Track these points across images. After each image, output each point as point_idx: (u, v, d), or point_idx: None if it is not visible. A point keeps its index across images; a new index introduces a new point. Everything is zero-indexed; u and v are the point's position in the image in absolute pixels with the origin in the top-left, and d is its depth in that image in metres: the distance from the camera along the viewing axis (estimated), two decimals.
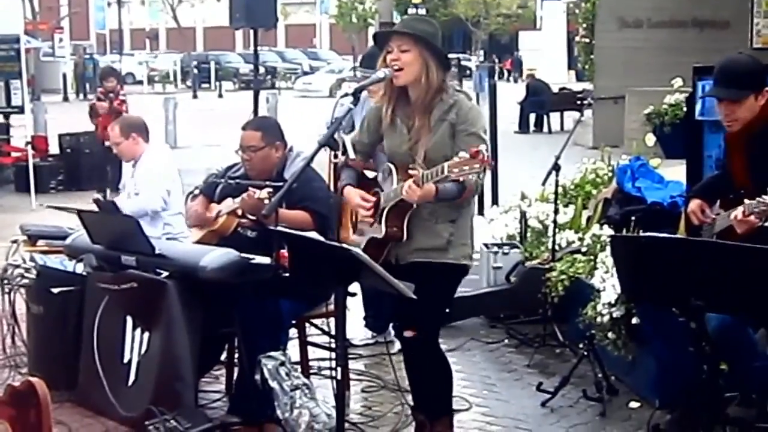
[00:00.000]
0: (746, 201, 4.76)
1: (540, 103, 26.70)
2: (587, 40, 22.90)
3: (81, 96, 47.32)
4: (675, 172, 8.43)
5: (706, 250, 4.37)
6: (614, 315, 6.02)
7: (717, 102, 5.13)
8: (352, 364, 6.68)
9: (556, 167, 7.25)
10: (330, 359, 5.61)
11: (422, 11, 54.44)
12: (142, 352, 5.70)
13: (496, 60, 57.02)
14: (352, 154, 5.04)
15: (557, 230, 7.55)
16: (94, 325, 5.92)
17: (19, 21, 14.89)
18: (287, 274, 5.27)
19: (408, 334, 5.01)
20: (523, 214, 8.40)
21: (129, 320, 5.79)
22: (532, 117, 26.77)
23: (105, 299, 5.85)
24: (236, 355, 5.99)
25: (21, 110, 15.06)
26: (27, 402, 5.26)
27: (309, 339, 6.27)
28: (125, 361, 5.78)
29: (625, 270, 4.68)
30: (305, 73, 54.11)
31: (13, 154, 16.01)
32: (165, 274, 5.53)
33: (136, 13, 74.21)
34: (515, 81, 46.52)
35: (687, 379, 5.09)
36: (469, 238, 5.06)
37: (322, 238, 4.67)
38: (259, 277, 5.42)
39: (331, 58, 61.82)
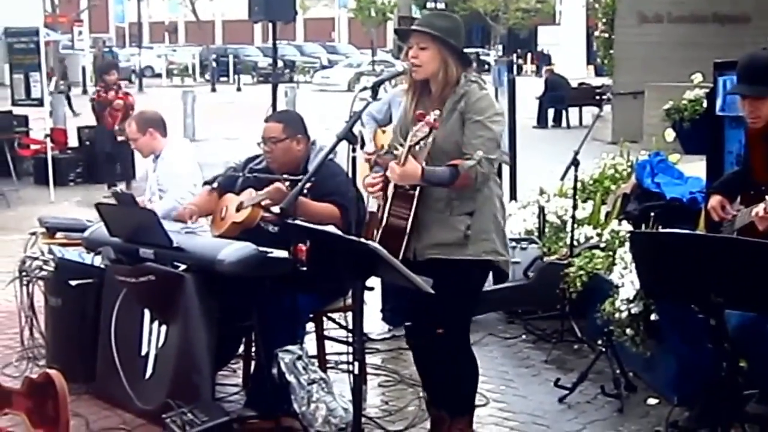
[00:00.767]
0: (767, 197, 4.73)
1: (559, 98, 26.64)
2: (607, 35, 22.81)
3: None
4: (694, 167, 8.39)
5: (727, 247, 4.33)
6: (633, 311, 5.99)
7: (740, 99, 5.08)
8: (369, 359, 6.66)
9: (575, 162, 7.22)
10: (347, 354, 5.62)
11: (441, 5, 54.42)
12: (160, 345, 5.70)
13: (516, 54, 56.89)
14: (370, 148, 5.04)
15: (576, 225, 7.52)
16: (111, 317, 5.93)
17: (39, 14, 14.89)
18: (305, 269, 5.26)
19: (439, 331, 4.96)
20: (541, 209, 8.37)
21: (146, 313, 5.79)
22: (551, 112, 26.71)
23: (123, 292, 5.85)
24: (253, 349, 5.99)
25: (40, 103, 15.07)
26: (45, 394, 5.30)
27: (326, 333, 6.26)
28: (143, 353, 5.79)
29: (645, 266, 4.64)
30: (324, 67, 54.13)
31: (32, 147, 16.06)
32: (182, 267, 5.52)
33: (156, 7, 74.29)
34: (540, 76, 46.28)
35: (706, 376, 5.06)
36: (493, 232, 4.94)
37: (339, 232, 4.64)
38: (276, 271, 5.40)
39: (350, 52, 61.80)
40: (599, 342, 6.25)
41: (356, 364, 4.54)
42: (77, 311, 6.26)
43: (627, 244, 6.10)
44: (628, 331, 6.07)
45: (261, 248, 5.44)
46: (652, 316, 5.89)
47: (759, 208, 4.75)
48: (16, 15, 14.07)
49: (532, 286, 7.66)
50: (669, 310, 5.56)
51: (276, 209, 5.45)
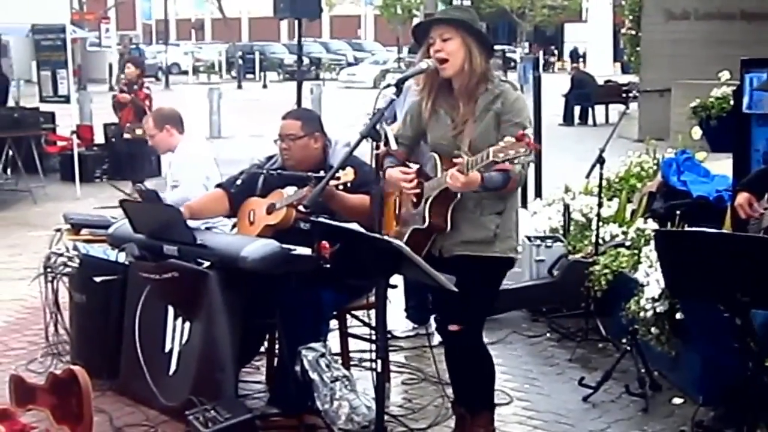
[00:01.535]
0: None
1: (585, 95, 26.53)
2: (633, 32, 22.69)
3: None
4: (721, 165, 8.34)
5: (753, 245, 4.31)
6: (658, 310, 5.96)
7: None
8: (393, 356, 6.67)
9: (601, 160, 7.18)
10: (370, 351, 5.60)
11: (467, 2, 54.34)
12: (183, 341, 5.71)
13: (543, 51, 56.74)
14: (394, 145, 5.02)
15: (601, 223, 7.49)
16: (135, 314, 5.94)
17: (66, 11, 14.93)
18: (329, 266, 5.25)
19: (453, 328, 4.95)
20: (566, 207, 8.34)
21: (170, 310, 5.80)
22: (577, 109, 26.60)
23: (147, 288, 5.86)
24: (277, 346, 5.99)
25: (67, 100, 15.14)
26: (68, 390, 5.32)
27: (350, 330, 6.25)
28: (166, 350, 5.79)
29: (670, 265, 4.62)
30: (349, 64, 54.17)
31: (59, 143, 16.12)
32: (206, 264, 5.52)
33: (182, 4, 74.51)
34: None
35: (731, 375, 5.03)
36: (514, 230, 4.99)
37: (362, 230, 4.62)
38: (300, 268, 5.39)
39: (376, 49, 61.82)
40: (624, 341, 6.22)
41: (379, 362, 4.53)
42: (101, 308, 6.28)
43: (652, 243, 6.05)
44: (653, 329, 6.04)
45: (285, 245, 5.43)
46: (678, 315, 5.85)
47: None
48: (43, 12, 14.09)
49: (557, 284, 7.64)
50: (694, 309, 5.52)
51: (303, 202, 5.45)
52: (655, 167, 9.32)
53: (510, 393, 6.17)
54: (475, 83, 4.85)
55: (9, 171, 14.96)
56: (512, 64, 37.52)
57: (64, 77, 15.14)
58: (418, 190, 4.89)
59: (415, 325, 7.34)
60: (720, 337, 5.19)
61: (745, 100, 6.67)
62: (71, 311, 6.60)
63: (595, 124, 25.79)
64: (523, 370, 6.68)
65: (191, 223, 5.99)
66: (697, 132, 11.32)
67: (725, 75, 14.13)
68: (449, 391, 5.38)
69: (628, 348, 6.10)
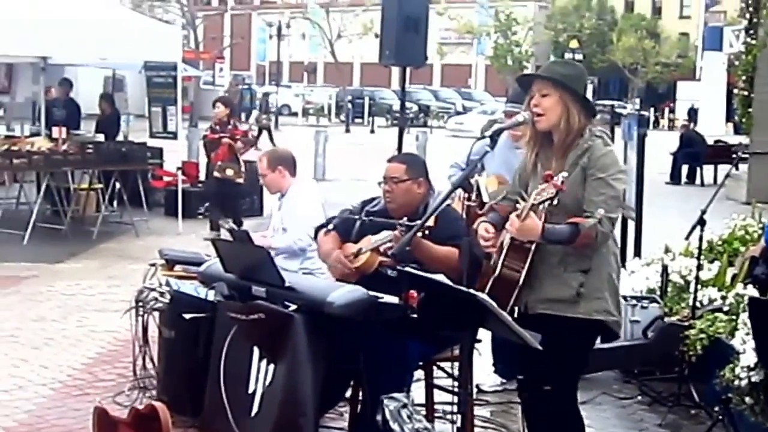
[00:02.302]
0: None
1: (694, 154, 26.13)
2: (746, 93, 22.32)
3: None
4: None
5: None
6: (753, 379, 5.78)
7: None
8: (478, 411, 6.55)
9: (701, 221, 7.03)
10: (453, 404, 5.52)
11: (579, 56, 54.13)
12: (267, 383, 5.68)
13: (653, 108, 56.20)
14: (486, 197, 4.97)
15: (700, 287, 7.31)
16: (222, 353, 5.93)
17: (178, 49, 15.20)
18: (416, 315, 5.20)
19: (547, 388, 4.84)
20: (664, 267, 8.16)
21: (256, 351, 5.79)
22: (685, 168, 26.21)
23: (234, 328, 5.85)
24: (360, 394, 5.93)
25: (175, 136, 15.39)
26: (149, 426, 5.35)
27: (436, 382, 6.17)
28: (250, 391, 5.78)
29: (762, 334, 4.47)
30: (458, 113, 54.21)
31: (165, 179, 16.37)
32: (293, 307, 5.51)
33: (296, 47, 75.37)
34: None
35: None
36: (605, 291, 4.79)
37: (448, 282, 4.56)
38: (386, 316, 5.36)
39: (485, 99, 61.82)
40: (717, 409, 6.03)
41: (460, 417, 4.47)
42: (189, 344, 6.31)
43: None
44: (747, 399, 5.86)
45: (372, 293, 5.40)
46: None
47: None
48: (156, 49, 14.38)
49: (651, 346, 7.45)
50: None
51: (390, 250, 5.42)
52: (760, 231, 9.09)
53: None
54: (572, 140, 4.79)
55: (115, 203, 15.22)
56: (620, 120, 37.15)
57: (173, 114, 15.42)
58: (494, 250, 4.82)
59: (504, 380, 7.22)
60: None
61: None
62: (160, 346, 6.64)
63: (702, 184, 25.37)
64: None
65: (284, 265, 6.01)
66: None
67: None
68: None
69: (721, 416, 5.92)
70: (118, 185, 14.44)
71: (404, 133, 11.54)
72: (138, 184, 14.97)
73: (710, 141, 27.80)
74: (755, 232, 9.18)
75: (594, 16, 67.02)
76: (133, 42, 13.94)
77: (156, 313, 6.59)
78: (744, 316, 6.27)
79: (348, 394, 6.16)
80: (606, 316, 4.81)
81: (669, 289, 8.07)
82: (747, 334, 5.94)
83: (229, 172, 13.42)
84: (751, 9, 22.05)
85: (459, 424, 4.53)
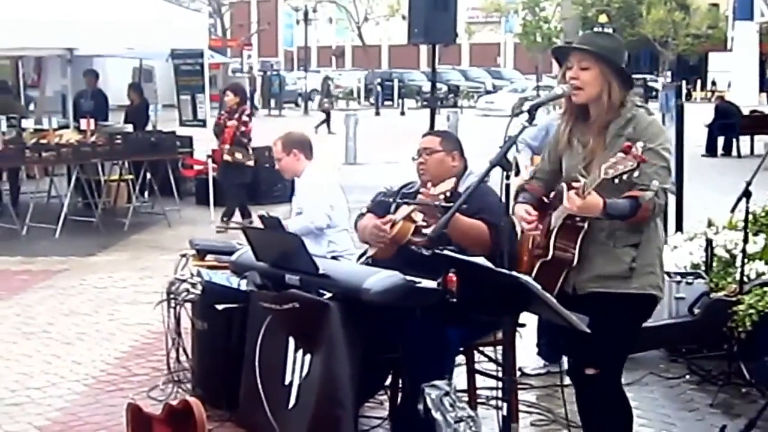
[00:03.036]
0: None
1: (729, 125, 25.76)
2: None
3: (267, 111, 48.28)
4: None
5: None
6: None
7: None
8: (522, 395, 6.37)
9: (747, 193, 6.79)
10: (497, 389, 5.36)
11: (609, 30, 53.62)
12: (304, 375, 5.51)
13: (685, 81, 55.60)
14: (525, 175, 4.77)
15: (746, 260, 7.08)
16: (256, 344, 5.76)
17: (204, 36, 15.07)
18: (455, 300, 5.02)
19: (590, 371, 4.66)
20: (709, 242, 7.94)
21: (291, 341, 5.62)
22: (721, 140, 25.86)
23: (268, 319, 5.69)
24: (401, 382, 5.76)
25: (204, 124, 15.26)
26: (184, 422, 5.23)
27: (478, 367, 5.99)
28: (286, 383, 5.60)
29: None
30: (488, 92, 53.97)
31: (195, 167, 16.23)
32: (328, 295, 5.33)
33: (323, 31, 75.32)
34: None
35: None
36: (657, 266, 4.64)
37: (490, 264, 4.37)
38: (425, 301, 5.19)
39: (515, 77, 61.52)
40: None
41: (505, 405, 4.29)
42: (223, 336, 6.15)
43: None
44: None
45: (409, 277, 5.22)
46: None
47: None
48: (182, 37, 14.25)
49: (698, 323, 7.25)
50: None
51: (427, 231, 5.26)
52: None
53: None
54: (611, 115, 4.57)
55: (146, 194, 15.12)
56: (653, 93, 36.79)
57: (203, 101, 15.30)
58: (537, 232, 4.62)
59: (547, 363, 7.03)
60: None
61: None
62: (193, 339, 6.49)
63: (739, 156, 25.02)
64: (659, 414, 6.32)
65: (313, 251, 5.85)
66: None
67: None
68: None
69: None
70: (148, 175, 14.33)
71: (436, 113, 11.34)
72: (169, 173, 14.85)
73: (745, 111, 27.40)
74: None
75: None
76: (159, 31, 13.84)
77: (188, 305, 6.44)
78: None
79: (387, 382, 6.00)
80: (657, 291, 4.66)
81: (714, 264, 7.85)
82: None
83: (238, 156, 13.22)
84: None
85: (504, 412, 4.34)
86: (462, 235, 5.29)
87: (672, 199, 8.93)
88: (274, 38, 77.43)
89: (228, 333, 6.11)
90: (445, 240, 5.08)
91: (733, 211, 7.23)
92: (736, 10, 50.79)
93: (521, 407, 6.11)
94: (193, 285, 6.38)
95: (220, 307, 6.08)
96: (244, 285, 5.96)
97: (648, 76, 53.67)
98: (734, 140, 25.70)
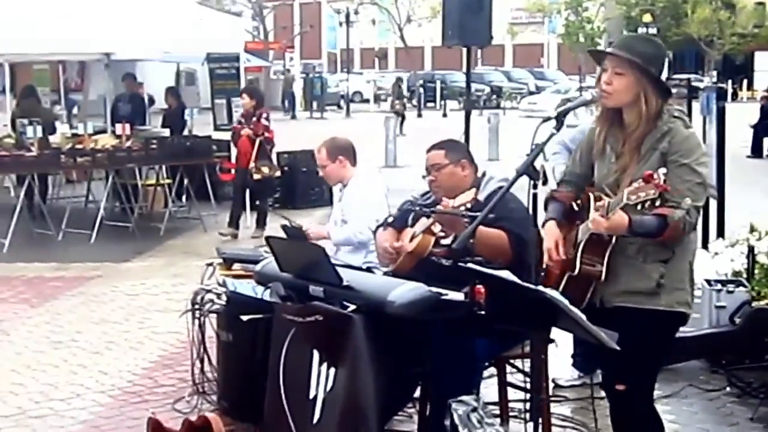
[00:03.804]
0: None
1: None
2: None
3: (308, 114, 48.26)
4: None
5: None
6: None
7: None
8: (555, 408, 6.18)
9: None
10: (525, 401, 5.19)
11: (653, 30, 53.17)
12: (328, 389, 5.34)
13: (731, 81, 55.02)
14: (553, 184, 4.58)
15: None
16: (280, 357, 5.60)
17: (240, 40, 14.99)
18: (483, 312, 4.85)
19: (619, 387, 4.48)
20: (751, 248, 7.72)
21: (315, 354, 5.45)
22: (766, 141, 25.43)
23: (292, 331, 5.53)
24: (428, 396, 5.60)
25: None
26: None
27: (510, 379, 5.82)
28: (311, 397, 5.43)
29: None
30: (531, 93, 53.64)
31: (233, 171, 16.10)
32: (352, 307, 5.18)
33: (366, 33, 75.26)
34: None
35: None
36: (686, 282, 4.46)
37: (515, 278, 4.20)
38: (451, 314, 5.01)
39: (558, 77, 61.09)
40: None
41: (532, 424, 4.12)
42: (248, 348, 5.99)
43: None
44: None
45: (435, 289, 5.05)
46: None
47: None
48: (217, 41, 14.18)
49: (739, 333, 7.05)
50: None
51: (446, 241, 5.10)
52: None
53: None
54: (646, 124, 4.38)
55: (184, 198, 15.04)
56: (698, 93, 36.31)
57: (238, 105, 15.19)
58: (563, 257, 4.44)
59: (582, 374, 6.83)
60: None
61: None
62: (218, 350, 6.35)
63: None
64: (698, 428, 6.12)
65: (350, 261, 5.72)
66: None
67: None
68: None
69: None
70: (185, 180, 14.25)
71: (471, 115, 11.14)
72: (205, 178, 14.75)
73: None
74: None
75: None
76: (195, 34, 13.79)
77: (213, 316, 6.30)
78: None
79: (416, 394, 5.84)
80: (686, 308, 4.48)
81: (756, 272, 7.62)
82: None
83: (265, 170, 13.08)
84: None
85: (532, 430, 4.18)
86: (483, 244, 5.13)
87: (713, 204, 8.74)
88: (317, 40, 77.45)
89: (253, 344, 5.94)
90: (466, 250, 4.91)
91: None
92: None
93: (554, 421, 5.91)
94: (218, 295, 6.25)
95: (245, 318, 5.93)
96: (268, 296, 5.82)
97: (693, 76, 52.97)
98: None
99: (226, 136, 15.53)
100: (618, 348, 3.99)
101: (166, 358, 7.63)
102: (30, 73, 21.13)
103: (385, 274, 5.78)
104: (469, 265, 4.49)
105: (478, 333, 5.11)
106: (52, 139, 14.20)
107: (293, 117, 46.50)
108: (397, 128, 32.15)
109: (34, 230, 13.20)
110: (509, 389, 5.85)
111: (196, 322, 6.36)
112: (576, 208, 4.64)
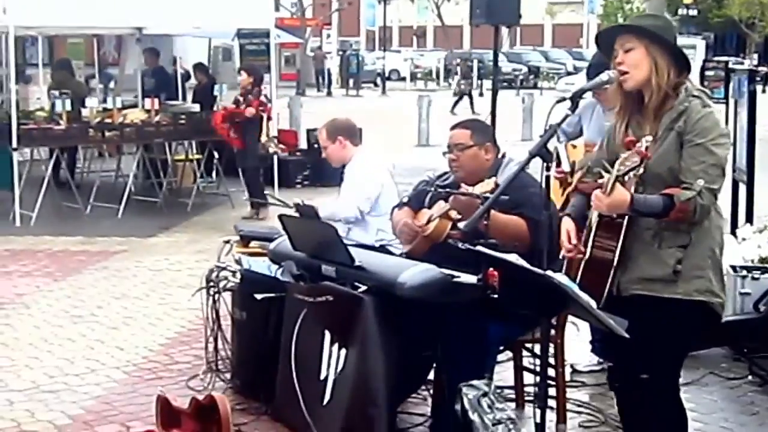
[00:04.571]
0: None
1: None
2: None
3: (345, 91, 48.20)
4: None
5: None
6: None
7: None
8: (572, 394, 6.09)
9: None
10: (536, 385, 5.10)
11: (693, 12, 52.66)
12: (339, 370, 5.29)
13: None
14: (565, 166, 4.48)
15: None
16: (292, 337, 5.56)
17: (270, 15, 14.87)
18: (496, 295, 4.76)
19: (643, 376, 4.35)
20: None
21: (327, 334, 5.40)
22: None
23: (303, 311, 5.48)
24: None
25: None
26: (210, 417, 5.12)
27: (526, 363, 5.74)
28: (322, 378, 5.39)
29: None
30: (568, 73, 53.22)
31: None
32: (363, 288, 5.11)
33: (405, 11, 74.98)
34: None
35: None
36: (708, 269, 4.24)
37: (523, 262, 4.11)
38: (463, 297, 4.93)
39: None
40: None
41: (539, 411, 4.05)
42: (261, 326, 5.94)
43: None
44: None
45: (447, 272, 4.97)
46: None
47: None
48: (248, 16, 14.08)
49: (763, 320, 6.91)
50: None
51: (461, 225, 5.01)
52: None
53: None
54: (662, 99, 4.23)
55: (214, 174, 15.00)
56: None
57: (268, 82, 15.11)
58: (579, 256, 4.32)
59: (601, 360, 6.72)
60: None
61: None
62: (232, 328, 6.31)
63: None
64: (718, 417, 6.00)
65: (362, 239, 5.62)
66: None
67: None
68: None
69: None
70: (215, 156, 14.21)
71: (497, 95, 11.02)
72: (234, 154, 14.69)
73: None
74: None
75: None
76: (226, 10, 13.67)
77: (227, 293, 6.25)
78: None
79: (431, 376, 5.76)
80: (709, 296, 4.26)
81: None
82: None
83: (272, 147, 13.03)
84: None
85: (538, 419, 4.09)
86: (500, 231, 5.03)
87: (742, 189, 8.60)
88: (356, 18, 77.22)
89: (266, 323, 5.90)
90: (481, 234, 4.82)
91: None
92: None
93: (570, 406, 5.83)
94: (233, 273, 6.19)
95: (258, 296, 5.88)
96: (281, 274, 5.76)
97: (733, 59, 52.43)
98: None
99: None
100: (627, 336, 3.88)
101: (183, 335, 7.59)
102: (65, 46, 21.17)
103: (399, 255, 5.71)
104: (478, 248, 4.39)
105: (492, 317, 5.03)
106: (83, 112, 14.18)
107: (329, 94, 46.44)
108: (462, 108, 31.93)
109: (63, 204, 13.21)
110: (525, 373, 5.77)
111: (211, 299, 6.30)
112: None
